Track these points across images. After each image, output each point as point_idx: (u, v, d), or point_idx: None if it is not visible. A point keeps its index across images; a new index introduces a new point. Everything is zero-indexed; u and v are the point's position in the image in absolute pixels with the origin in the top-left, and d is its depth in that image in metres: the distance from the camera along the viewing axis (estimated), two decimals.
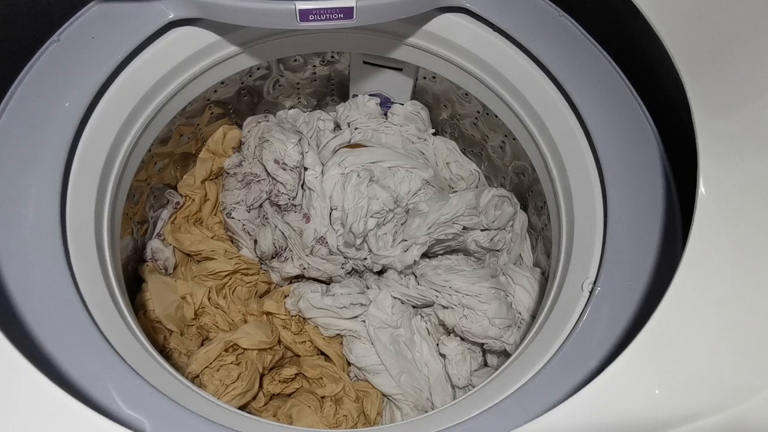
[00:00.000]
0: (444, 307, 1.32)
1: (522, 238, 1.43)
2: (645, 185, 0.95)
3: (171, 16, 1.02)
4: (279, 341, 1.37)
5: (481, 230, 1.40)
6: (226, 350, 1.27)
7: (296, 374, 1.36)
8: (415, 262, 1.35)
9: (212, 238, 1.44)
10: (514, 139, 1.24)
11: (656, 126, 1.00)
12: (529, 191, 1.38)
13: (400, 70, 1.41)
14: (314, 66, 1.43)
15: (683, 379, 0.69)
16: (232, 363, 1.26)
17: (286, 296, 1.41)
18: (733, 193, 0.76)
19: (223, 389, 1.22)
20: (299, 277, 1.48)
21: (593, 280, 0.90)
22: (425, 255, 1.41)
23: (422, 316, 1.40)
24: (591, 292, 0.89)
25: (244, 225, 1.46)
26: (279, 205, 1.44)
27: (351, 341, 1.36)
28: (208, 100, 1.33)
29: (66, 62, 0.96)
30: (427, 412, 1.11)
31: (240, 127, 1.52)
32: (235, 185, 1.47)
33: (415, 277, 1.39)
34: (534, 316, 1.25)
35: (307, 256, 1.43)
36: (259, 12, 1.00)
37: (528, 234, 1.44)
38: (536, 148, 1.14)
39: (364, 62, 1.41)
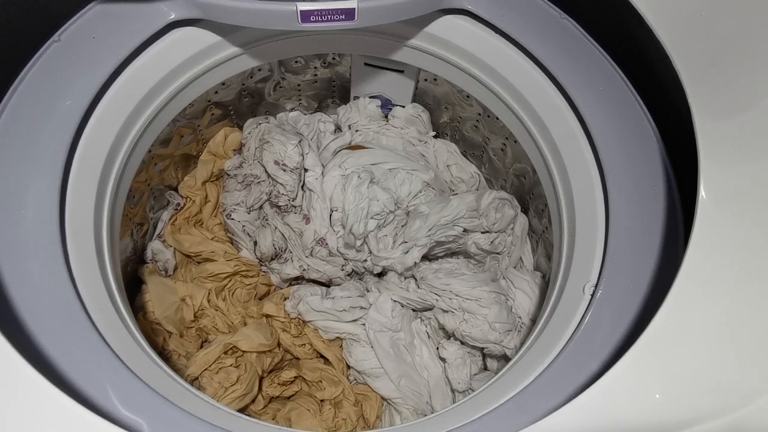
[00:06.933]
0: (444, 311, 1.32)
1: (522, 241, 1.43)
2: (647, 187, 0.94)
3: (172, 17, 1.02)
4: (278, 344, 1.37)
5: (482, 233, 1.40)
6: (225, 352, 1.27)
7: (295, 377, 1.35)
8: (416, 264, 1.34)
9: (212, 239, 1.44)
10: (515, 141, 1.24)
11: (658, 128, 0.99)
12: (529, 194, 1.38)
13: (401, 72, 1.41)
14: (315, 68, 1.42)
15: (684, 383, 0.68)
16: (231, 365, 1.26)
17: (285, 299, 1.41)
18: (733, 196, 0.75)
19: (223, 392, 1.22)
20: (299, 279, 1.47)
21: (594, 283, 0.90)
22: (426, 257, 1.40)
23: (422, 320, 1.40)
24: (592, 296, 0.89)
25: (244, 226, 1.45)
26: (279, 207, 1.44)
27: (351, 344, 1.35)
28: (209, 101, 1.33)
29: (66, 62, 0.95)
30: (426, 415, 1.10)
31: (241, 128, 1.52)
32: (236, 187, 1.47)
33: (416, 280, 1.38)
34: (534, 321, 1.25)
35: (306, 257, 1.43)
36: (260, 13, 1.00)
37: (529, 237, 1.44)
38: (537, 151, 1.14)
39: (365, 64, 1.41)
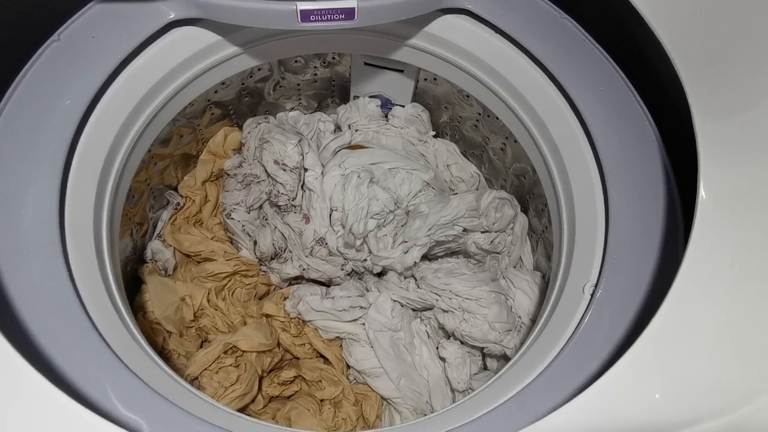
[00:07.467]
0: (444, 310, 1.32)
1: (522, 241, 1.43)
2: (647, 187, 0.94)
3: (171, 16, 1.02)
4: (278, 344, 1.37)
5: (482, 232, 1.40)
6: (225, 352, 1.27)
7: (295, 377, 1.35)
8: (415, 264, 1.34)
9: (212, 239, 1.44)
10: (515, 141, 1.24)
11: (658, 128, 0.99)
12: (529, 194, 1.38)
13: (401, 71, 1.41)
14: (315, 67, 1.42)
15: (684, 383, 0.68)
16: (231, 365, 1.26)
17: (285, 298, 1.41)
18: (733, 196, 0.75)
19: (222, 391, 1.22)
20: (299, 279, 1.47)
21: (594, 282, 0.90)
22: (425, 257, 1.40)
23: (422, 320, 1.39)
24: (592, 295, 0.89)
25: (243, 226, 1.45)
26: (279, 206, 1.44)
27: (350, 344, 1.35)
28: (209, 100, 1.33)
29: (66, 62, 0.95)
30: (426, 415, 1.10)
31: (240, 128, 1.52)
32: (235, 186, 1.47)
33: (415, 280, 1.38)
34: (534, 320, 1.25)
35: (306, 257, 1.43)
36: (260, 12, 0.99)
37: (528, 237, 1.44)
38: (537, 151, 1.14)
39: (365, 63, 1.41)
